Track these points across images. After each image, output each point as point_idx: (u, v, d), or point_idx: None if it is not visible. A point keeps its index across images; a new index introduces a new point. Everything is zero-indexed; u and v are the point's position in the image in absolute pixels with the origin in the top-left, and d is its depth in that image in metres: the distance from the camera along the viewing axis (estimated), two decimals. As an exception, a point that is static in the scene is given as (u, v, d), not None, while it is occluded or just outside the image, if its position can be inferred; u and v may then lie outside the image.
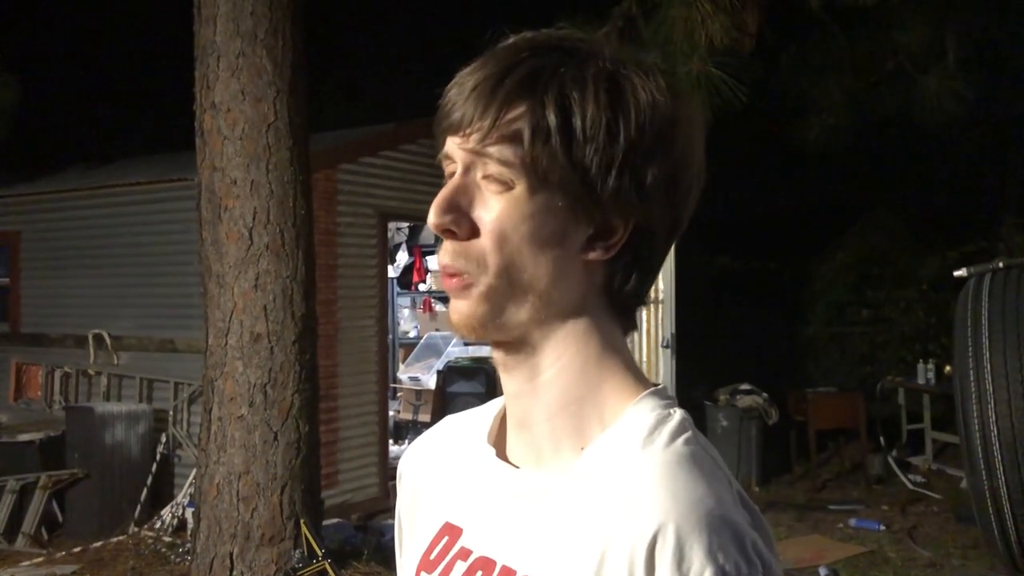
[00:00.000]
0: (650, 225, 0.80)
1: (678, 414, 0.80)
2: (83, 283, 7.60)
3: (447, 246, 0.80)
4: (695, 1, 5.25)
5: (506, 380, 0.85)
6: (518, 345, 0.82)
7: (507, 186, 0.77)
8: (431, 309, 10.11)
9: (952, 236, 9.59)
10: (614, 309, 0.83)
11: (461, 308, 0.80)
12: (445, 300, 10.14)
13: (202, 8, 4.80)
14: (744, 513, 0.74)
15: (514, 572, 0.79)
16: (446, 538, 0.88)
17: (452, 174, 0.81)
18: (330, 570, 4.12)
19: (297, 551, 4.57)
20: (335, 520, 6.21)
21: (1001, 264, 3.51)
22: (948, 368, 8.17)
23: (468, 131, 0.78)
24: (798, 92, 7.04)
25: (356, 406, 7.24)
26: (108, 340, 7.28)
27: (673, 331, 7.08)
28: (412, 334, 10.19)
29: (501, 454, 0.87)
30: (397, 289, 10.09)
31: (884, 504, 7.13)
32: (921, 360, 8.49)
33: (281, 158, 4.74)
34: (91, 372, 7.38)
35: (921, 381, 8.26)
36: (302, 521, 4.60)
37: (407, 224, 9.73)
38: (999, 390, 3.25)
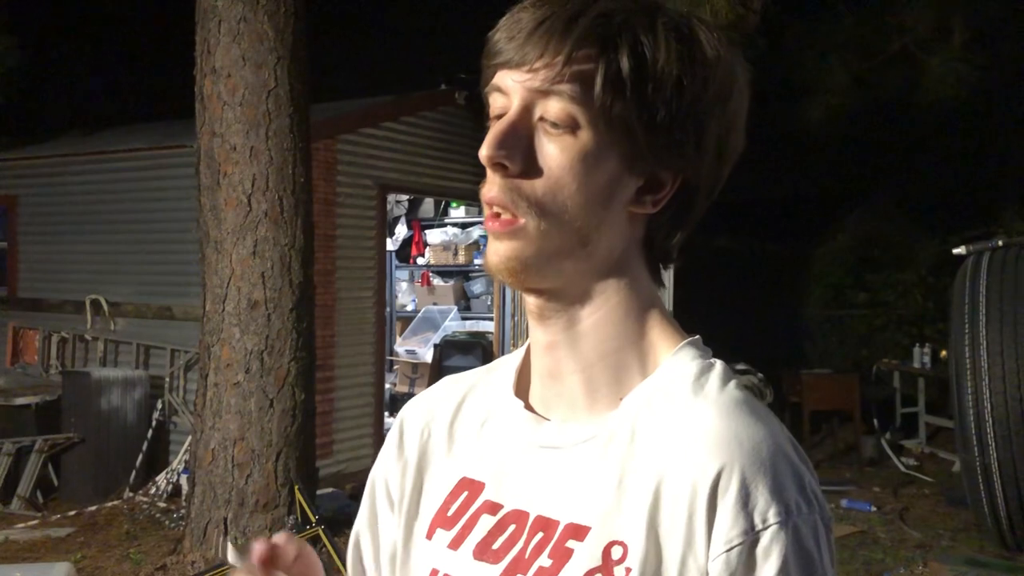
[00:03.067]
0: (697, 180, 0.79)
1: (719, 362, 0.81)
2: (81, 249, 7.58)
3: (495, 180, 0.77)
4: (701, -24, 5.22)
5: (539, 330, 0.83)
6: (557, 294, 0.80)
7: (570, 129, 0.75)
8: (429, 283, 10.11)
9: (952, 220, 9.57)
10: (650, 264, 0.83)
11: (502, 250, 0.78)
12: (443, 275, 10.14)
13: (204, -28, 4.76)
14: (798, 454, 0.75)
15: (556, 523, 0.78)
16: (465, 493, 0.85)
17: (501, 109, 0.78)
18: (323, 536, 4.14)
19: (291, 517, 4.59)
20: (329, 490, 6.23)
21: (1000, 243, 3.50)
22: (944, 352, 8.19)
23: (536, 66, 0.74)
24: (802, 71, 7.01)
25: (352, 377, 7.25)
26: (105, 306, 7.28)
27: (670, 309, 7.07)
28: (410, 307, 10.20)
29: (528, 406, 0.85)
30: (395, 262, 10.07)
31: (876, 486, 7.16)
32: (917, 344, 8.51)
33: (281, 125, 4.71)
34: (88, 337, 7.38)
35: (917, 365, 8.28)
36: (296, 488, 4.61)
37: (407, 197, 9.71)
38: (994, 367, 3.26)
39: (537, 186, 0.75)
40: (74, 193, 7.69)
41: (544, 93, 0.75)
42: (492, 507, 0.83)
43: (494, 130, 0.76)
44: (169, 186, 6.95)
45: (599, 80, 0.73)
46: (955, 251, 3.61)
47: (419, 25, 13.68)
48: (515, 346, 8.78)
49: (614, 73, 0.73)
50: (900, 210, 10.49)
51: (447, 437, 0.90)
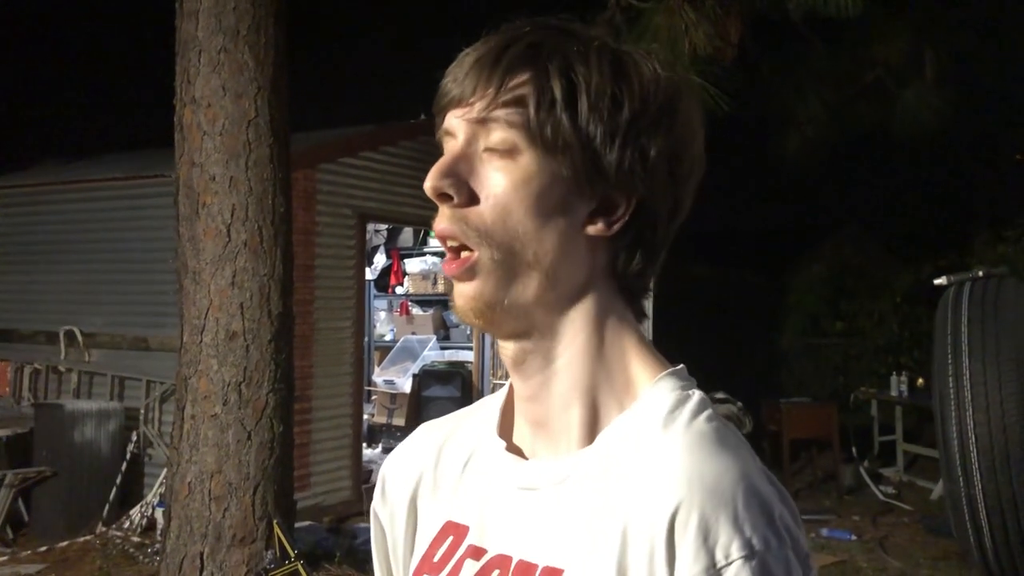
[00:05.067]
0: (653, 202, 0.78)
1: (697, 394, 0.79)
2: (56, 279, 7.49)
3: (444, 212, 0.77)
4: (679, 10, 5.28)
5: (519, 382, 0.82)
6: (530, 332, 0.79)
7: (511, 155, 0.76)
8: (408, 312, 10.07)
9: (926, 250, 9.70)
10: (623, 293, 0.81)
11: (466, 291, 0.78)
12: (422, 304, 10.11)
13: (184, 3, 4.76)
14: (771, 487, 0.72)
15: (535, 566, 0.76)
16: (450, 538, 0.84)
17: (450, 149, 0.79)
18: (302, 571, 4.07)
19: (269, 552, 4.52)
20: (307, 523, 6.15)
21: (980, 273, 3.54)
22: (920, 380, 8.26)
23: (472, 100, 0.76)
24: (778, 104, 7.09)
25: (330, 408, 7.19)
26: (80, 337, 7.18)
27: (649, 339, 7.09)
28: (388, 337, 10.14)
29: (511, 447, 0.84)
30: (374, 292, 10.04)
31: (855, 514, 7.17)
32: (894, 372, 8.58)
33: (261, 155, 4.70)
34: (62, 369, 7.27)
35: (894, 393, 8.33)
36: (274, 522, 4.55)
37: (385, 226, 9.69)
38: (977, 397, 3.28)
39: (484, 213, 0.76)
40: (49, 222, 7.62)
41: (483, 123, 0.76)
42: (476, 552, 0.81)
43: (438, 162, 0.77)
44: (146, 216, 6.90)
45: (532, 103, 0.74)
46: (936, 282, 3.64)
47: (398, 55, 13.75)
48: (495, 375, 8.75)
49: (548, 96, 0.74)
50: (874, 239, 10.64)
51: (432, 481, 0.89)
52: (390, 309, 10.35)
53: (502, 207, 0.75)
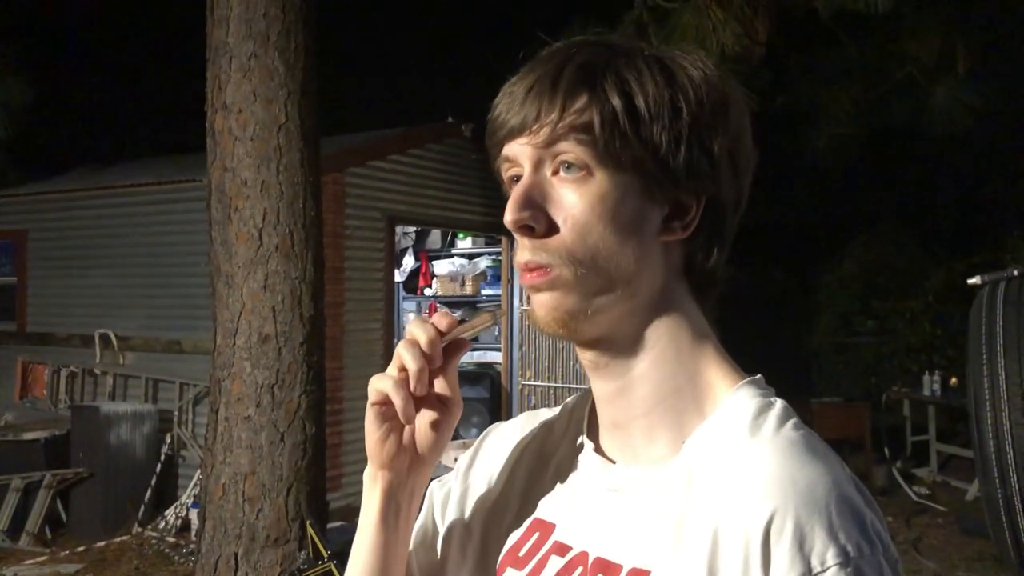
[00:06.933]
0: (720, 197, 0.80)
1: (779, 402, 0.79)
2: (90, 283, 7.61)
3: (525, 244, 0.79)
4: (707, 9, 5.27)
5: (598, 384, 0.84)
6: (609, 340, 0.80)
7: (583, 176, 0.77)
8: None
9: (958, 247, 9.59)
10: (695, 292, 0.83)
11: (546, 301, 0.79)
12: (450, 305, 10.14)
13: (215, 9, 4.81)
14: (860, 495, 0.74)
15: (619, 566, 0.78)
16: (536, 534, 0.87)
17: (514, 177, 0.81)
18: (335, 571, 4.11)
19: (302, 552, 4.56)
20: (339, 523, 6.19)
21: (1016, 272, 3.49)
22: (954, 380, 8.15)
23: (535, 127, 0.77)
24: (807, 101, 7.05)
25: (361, 409, 7.11)
26: (114, 340, 7.28)
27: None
28: (417, 338, 10.17)
29: (598, 449, 0.86)
30: (403, 293, 10.09)
31: (888, 515, 7.11)
32: (927, 371, 8.47)
33: (292, 160, 4.74)
34: (97, 372, 7.38)
35: (927, 392, 8.23)
36: (308, 522, 4.59)
37: (414, 228, 9.74)
38: (1014, 397, 3.24)
39: (565, 238, 0.77)
40: (84, 227, 7.73)
41: (550, 148, 0.78)
42: (561, 548, 0.84)
43: (513, 194, 0.79)
44: (178, 220, 6.98)
45: (596, 123, 0.76)
46: (970, 281, 3.58)
47: (424, 59, 13.81)
48: (523, 376, 8.76)
49: (609, 113, 0.76)
50: (906, 237, 10.53)
51: (520, 475, 0.92)
52: (419, 310, 10.39)
53: (581, 226, 0.77)
